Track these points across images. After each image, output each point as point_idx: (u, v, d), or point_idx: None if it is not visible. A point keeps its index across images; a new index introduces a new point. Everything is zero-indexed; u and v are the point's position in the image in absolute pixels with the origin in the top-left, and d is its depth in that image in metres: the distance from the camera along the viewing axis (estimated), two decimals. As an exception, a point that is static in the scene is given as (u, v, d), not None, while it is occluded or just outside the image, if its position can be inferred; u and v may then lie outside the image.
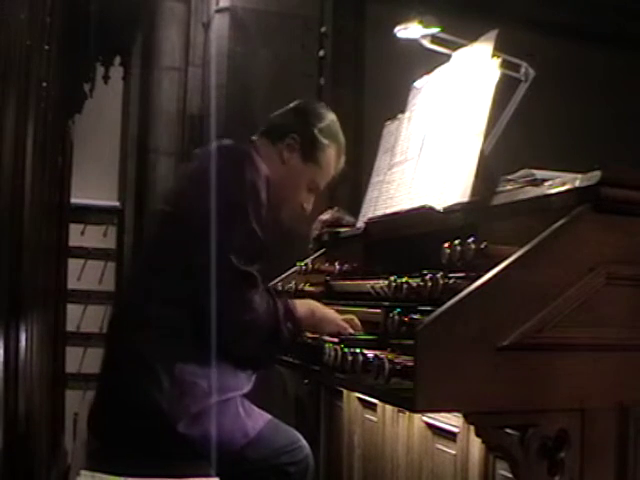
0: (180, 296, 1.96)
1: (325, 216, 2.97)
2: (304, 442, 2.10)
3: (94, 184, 4.75)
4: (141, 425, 1.94)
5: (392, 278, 1.83)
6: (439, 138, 2.20)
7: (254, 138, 2.22)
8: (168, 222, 2.10)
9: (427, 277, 1.68)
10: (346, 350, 1.69)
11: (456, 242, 1.67)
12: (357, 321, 2.12)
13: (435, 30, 2.58)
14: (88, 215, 4.72)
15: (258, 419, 2.08)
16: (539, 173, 1.77)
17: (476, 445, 1.78)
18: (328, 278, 2.56)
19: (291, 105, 2.29)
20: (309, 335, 2.11)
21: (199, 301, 1.92)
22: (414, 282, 1.74)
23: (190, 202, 2.03)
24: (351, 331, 2.07)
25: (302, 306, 2.08)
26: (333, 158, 2.22)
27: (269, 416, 2.12)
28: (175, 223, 2.05)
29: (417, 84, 2.51)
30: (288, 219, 2.21)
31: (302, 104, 2.28)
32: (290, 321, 2.02)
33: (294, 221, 2.24)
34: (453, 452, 1.90)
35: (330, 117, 2.25)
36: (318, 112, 2.24)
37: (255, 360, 2.07)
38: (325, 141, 2.19)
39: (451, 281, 1.62)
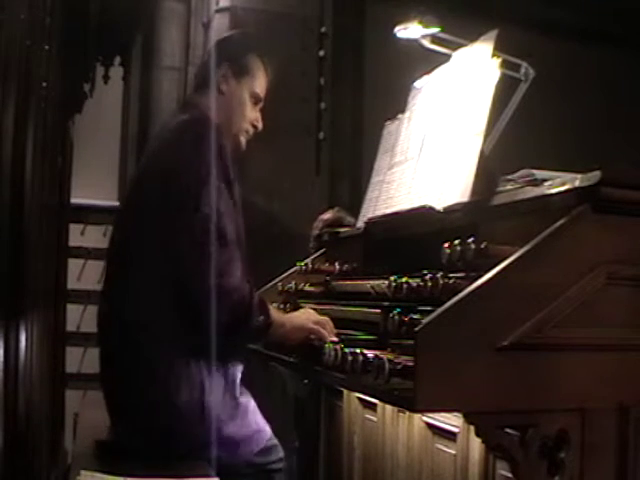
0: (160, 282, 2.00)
1: (325, 216, 2.97)
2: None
3: (94, 184, 4.73)
4: (139, 421, 1.99)
5: (392, 278, 1.83)
6: (439, 138, 2.20)
7: (195, 102, 2.30)
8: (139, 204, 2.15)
9: (427, 277, 1.68)
10: (346, 350, 1.69)
11: (456, 242, 1.67)
12: (331, 324, 2.13)
13: (435, 30, 2.58)
14: (88, 215, 4.70)
15: (266, 430, 2.15)
16: (539, 173, 1.77)
17: (476, 445, 1.78)
18: (328, 278, 2.56)
19: (209, 50, 2.46)
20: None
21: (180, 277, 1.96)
22: (414, 282, 1.74)
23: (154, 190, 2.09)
24: (324, 333, 2.06)
25: (276, 312, 2.11)
26: (261, 66, 2.35)
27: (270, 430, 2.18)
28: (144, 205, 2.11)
29: (417, 84, 2.51)
30: (244, 142, 2.33)
31: (216, 43, 2.40)
32: (263, 315, 2.02)
33: (248, 141, 2.35)
34: (453, 452, 1.90)
35: (241, 35, 2.45)
36: (231, 37, 2.45)
37: (224, 339, 1.98)
38: (249, 54, 2.34)
39: (451, 281, 1.62)
